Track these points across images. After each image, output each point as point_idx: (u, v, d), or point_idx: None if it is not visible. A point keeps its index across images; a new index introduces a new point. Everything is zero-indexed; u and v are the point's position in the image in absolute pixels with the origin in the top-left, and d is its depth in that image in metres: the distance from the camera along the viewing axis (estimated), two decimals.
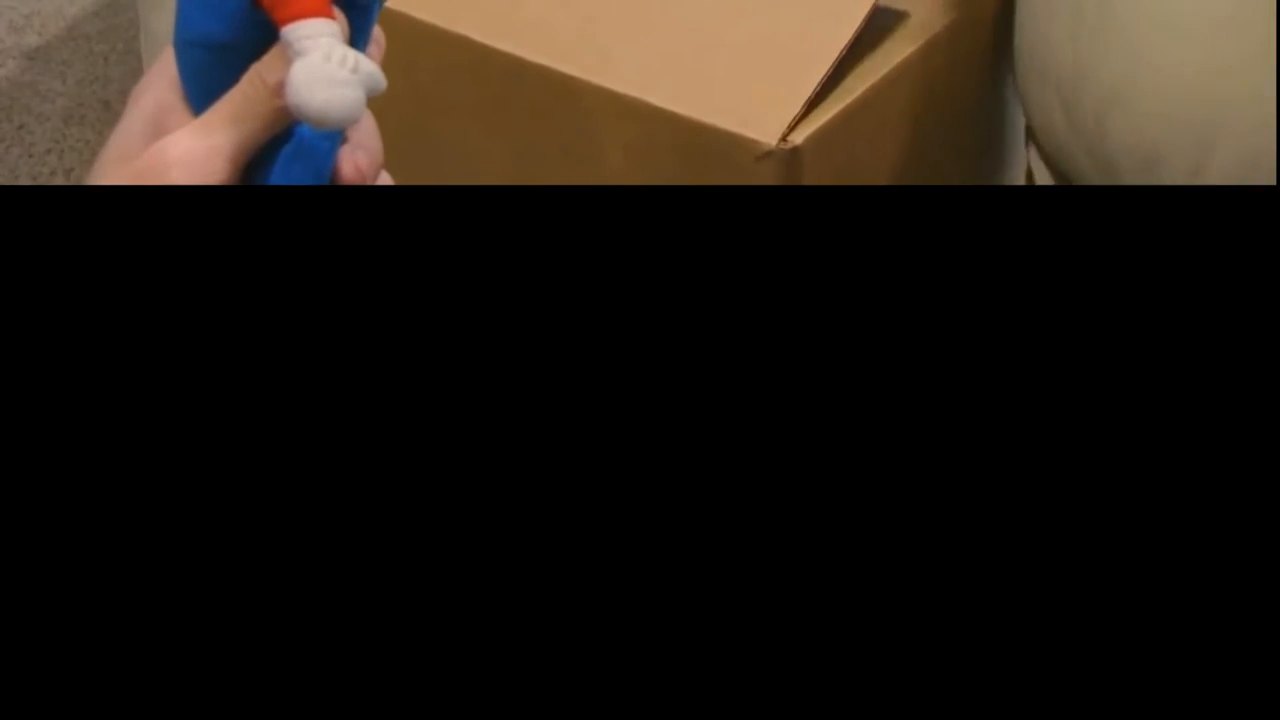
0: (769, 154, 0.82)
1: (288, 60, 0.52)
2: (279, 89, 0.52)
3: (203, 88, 0.55)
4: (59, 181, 1.17)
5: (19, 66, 1.06)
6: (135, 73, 1.04)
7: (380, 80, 0.52)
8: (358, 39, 0.54)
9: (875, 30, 0.86)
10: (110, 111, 1.17)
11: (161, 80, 0.56)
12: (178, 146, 0.53)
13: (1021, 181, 0.96)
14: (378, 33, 0.57)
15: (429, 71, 0.89)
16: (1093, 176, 0.82)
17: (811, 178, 0.83)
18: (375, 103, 0.56)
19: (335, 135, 0.55)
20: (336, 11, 0.52)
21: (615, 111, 0.85)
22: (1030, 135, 0.91)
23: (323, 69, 0.51)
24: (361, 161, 0.55)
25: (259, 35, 0.54)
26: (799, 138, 0.82)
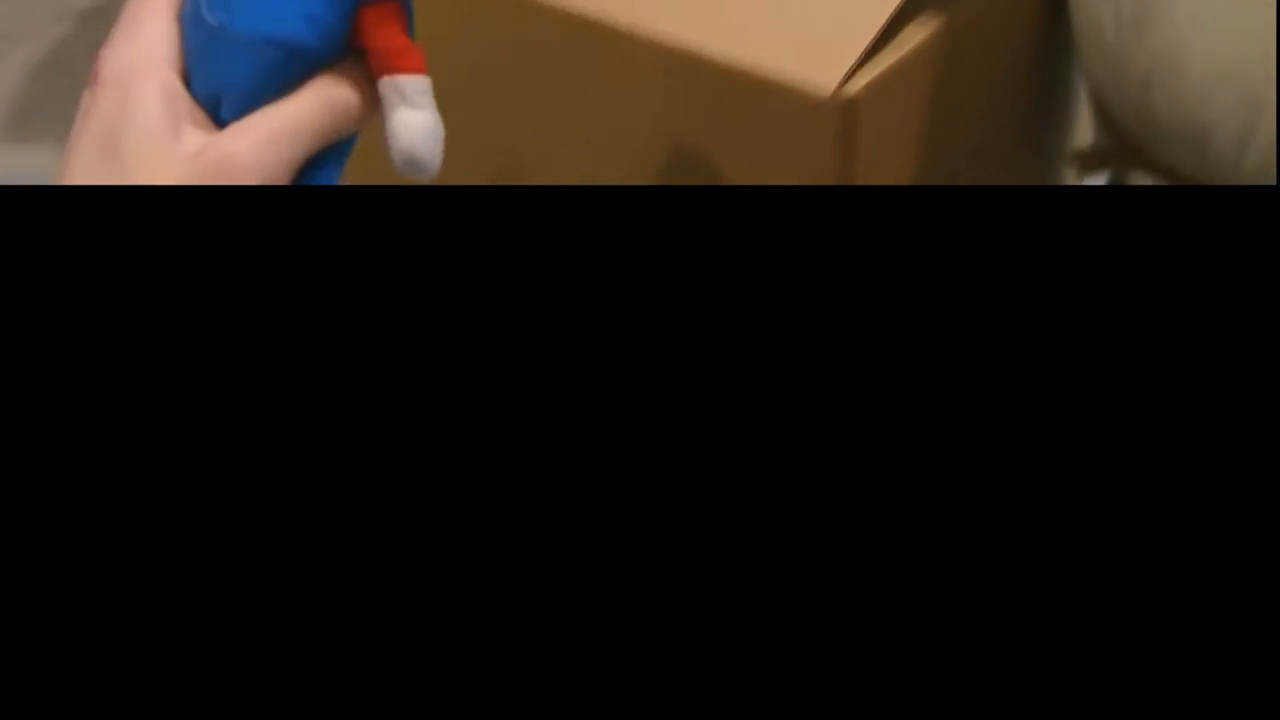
0: (823, 105, 0.79)
1: (370, 98, 0.55)
2: (355, 115, 0.55)
3: (261, 87, 0.55)
4: None
5: (74, 25, 1.07)
6: None
7: None
8: None
9: None
10: None
11: (153, 59, 0.55)
12: (247, 156, 0.53)
13: (1082, 140, 0.92)
14: None
15: (452, 21, 0.87)
16: (1147, 144, 0.78)
17: (868, 131, 0.80)
18: None
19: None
20: None
21: (658, 63, 0.82)
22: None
23: (438, 128, 0.55)
24: None
25: (339, 53, 0.55)
26: (855, 88, 0.79)
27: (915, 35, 0.82)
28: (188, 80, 0.56)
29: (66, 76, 1.10)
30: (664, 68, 0.82)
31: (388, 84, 0.55)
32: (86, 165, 0.54)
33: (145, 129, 0.54)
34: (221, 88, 0.55)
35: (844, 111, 0.79)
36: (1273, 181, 0.71)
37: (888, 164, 0.83)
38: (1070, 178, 0.96)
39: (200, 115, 0.55)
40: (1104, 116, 0.85)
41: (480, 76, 0.89)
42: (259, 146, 0.54)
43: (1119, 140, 0.83)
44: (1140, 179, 0.81)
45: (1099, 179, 0.89)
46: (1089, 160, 0.88)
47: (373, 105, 0.56)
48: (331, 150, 0.56)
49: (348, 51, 0.55)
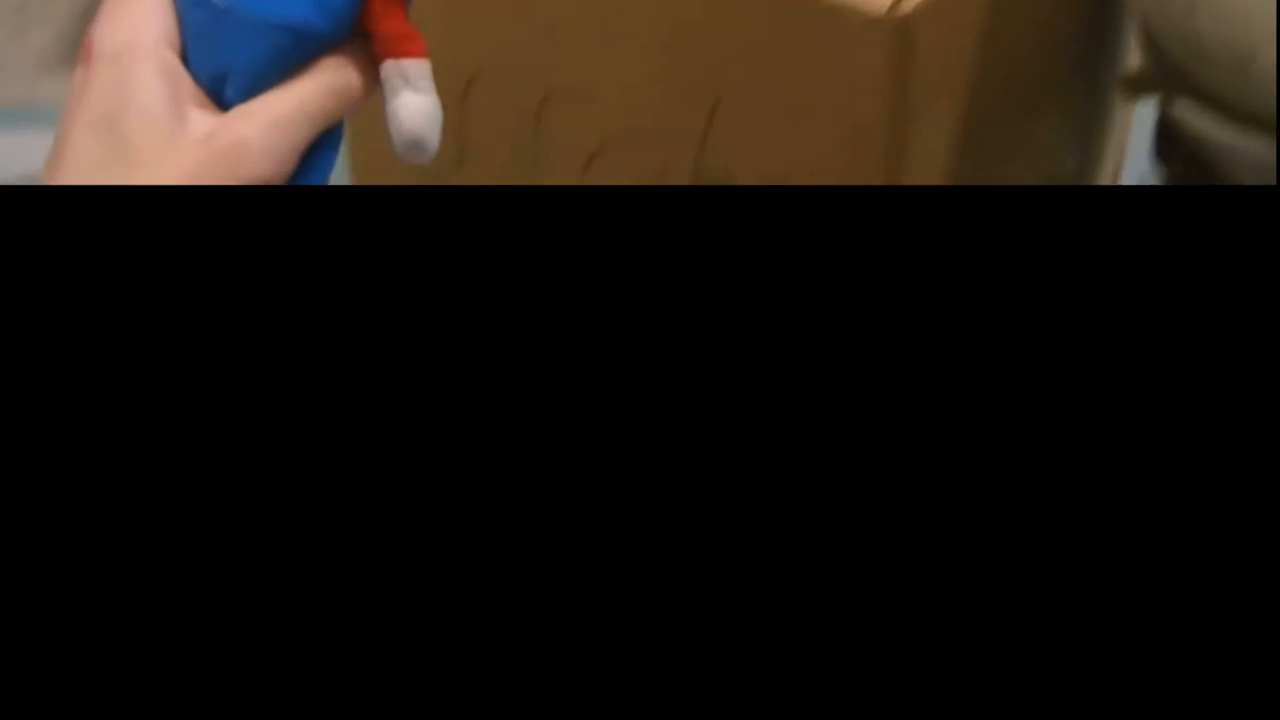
0: (877, 24, 0.77)
1: (370, 81, 0.55)
2: (358, 97, 0.55)
3: (268, 70, 0.55)
4: None
5: None
6: None
7: None
8: None
9: None
10: None
11: (150, 36, 0.54)
12: (257, 140, 0.54)
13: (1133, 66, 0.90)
14: None
15: None
16: (1191, 68, 0.76)
17: (922, 52, 0.78)
18: None
19: None
20: None
21: None
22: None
23: (438, 111, 0.55)
24: None
25: (346, 36, 0.55)
26: (909, 7, 0.77)
27: None
28: (184, 59, 0.55)
29: None
30: None
31: (392, 67, 0.55)
32: (86, 146, 0.53)
33: (146, 110, 0.53)
34: (227, 69, 0.55)
35: (899, 30, 0.77)
36: None
37: (941, 86, 0.81)
38: (1119, 103, 0.94)
39: (201, 96, 0.55)
40: (1150, 42, 0.83)
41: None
42: (268, 130, 0.53)
43: (1165, 65, 0.81)
44: (1186, 106, 0.79)
45: (1147, 106, 0.87)
46: (1136, 85, 0.86)
47: (371, 88, 0.56)
48: (329, 132, 0.56)
49: (351, 34, 0.55)
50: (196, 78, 0.55)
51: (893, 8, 0.77)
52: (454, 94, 0.86)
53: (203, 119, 0.54)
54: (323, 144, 0.56)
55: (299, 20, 0.54)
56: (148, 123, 0.53)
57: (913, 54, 0.78)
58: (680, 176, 0.77)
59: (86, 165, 0.53)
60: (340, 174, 0.86)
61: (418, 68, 0.55)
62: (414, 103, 0.55)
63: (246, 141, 0.53)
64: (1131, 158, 1.02)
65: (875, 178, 0.76)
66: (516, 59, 0.85)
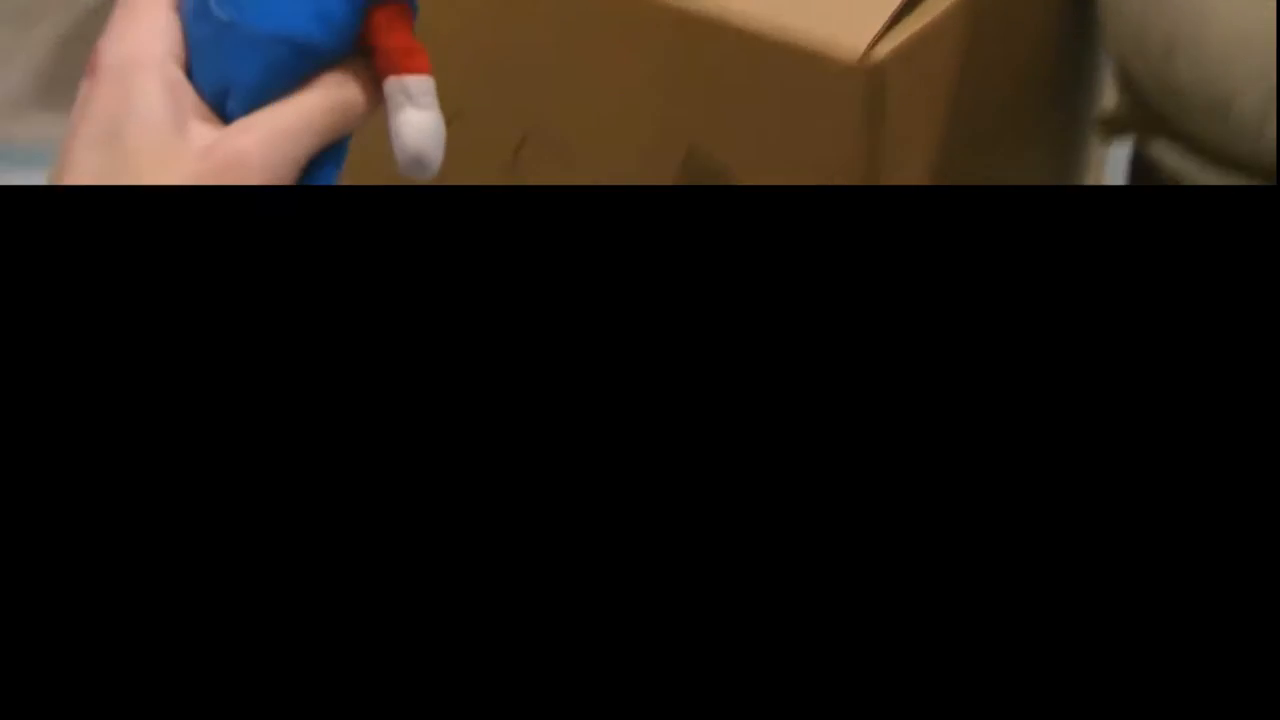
0: (850, 70, 0.78)
1: (372, 97, 0.55)
2: (360, 113, 0.55)
3: (270, 84, 0.55)
4: None
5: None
6: None
7: None
8: None
9: None
10: None
11: (155, 50, 0.55)
12: (255, 153, 0.54)
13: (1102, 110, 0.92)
14: None
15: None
16: (1170, 112, 0.77)
17: (895, 97, 0.79)
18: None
19: None
20: None
21: (682, 28, 0.82)
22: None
23: (441, 127, 0.55)
24: None
25: (348, 51, 0.55)
26: (882, 53, 0.78)
27: (941, 2, 0.81)
28: (189, 72, 0.56)
29: (90, 50, 1.10)
30: (688, 33, 0.82)
31: (395, 84, 0.55)
32: (88, 158, 0.53)
33: (148, 123, 0.53)
34: (229, 82, 0.55)
35: (871, 77, 0.79)
36: None
37: (915, 131, 0.83)
38: (1096, 145, 0.95)
39: (204, 109, 0.55)
40: (1127, 84, 0.85)
41: (503, 47, 0.89)
42: (267, 144, 0.54)
43: (1142, 106, 0.83)
44: (1162, 148, 0.81)
45: (1123, 146, 0.89)
46: (1112, 126, 0.88)
47: (374, 103, 0.56)
48: (331, 148, 0.56)
49: (354, 49, 0.55)
50: (200, 91, 0.55)
51: (866, 54, 0.78)
52: None
53: (204, 132, 0.54)
54: (324, 161, 0.56)
55: (300, 34, 0.54)
56: (149, 135, 0.53)
57: (884, 99, 0.79)
58: None
59: (89, 177, 0.53)
60: None
61: (421, 84, 0.55)
62: (417, 119, 0.55)
63: (245, 154, 0.53)
64: None
65: None
66: (495, 101, 0.86)
